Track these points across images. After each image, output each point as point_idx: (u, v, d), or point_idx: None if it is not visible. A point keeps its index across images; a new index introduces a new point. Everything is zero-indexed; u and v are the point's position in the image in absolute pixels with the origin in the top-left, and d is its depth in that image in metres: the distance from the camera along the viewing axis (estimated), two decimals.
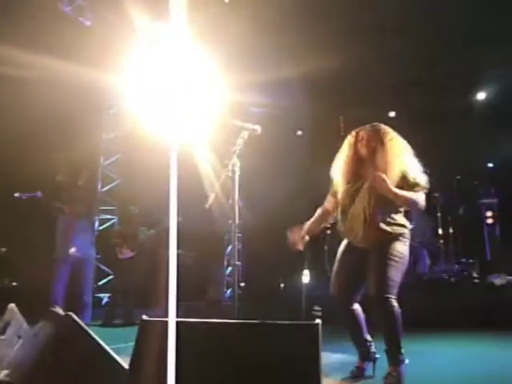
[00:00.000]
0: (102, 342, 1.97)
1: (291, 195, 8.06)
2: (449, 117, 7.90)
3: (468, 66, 7.44)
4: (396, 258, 2.92)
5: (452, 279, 6.50)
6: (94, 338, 1.96)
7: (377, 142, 3.06)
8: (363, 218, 2.98)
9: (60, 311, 2.17)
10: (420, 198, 2.98)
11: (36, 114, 6.57)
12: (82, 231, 5.67)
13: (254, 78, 6.62)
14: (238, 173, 2.66)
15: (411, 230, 3.12)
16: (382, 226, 2.95)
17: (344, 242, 3.20)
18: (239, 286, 7.50)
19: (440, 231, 7.21)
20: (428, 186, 3.02)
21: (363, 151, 3.10)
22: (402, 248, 2.97)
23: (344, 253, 3.16)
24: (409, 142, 3.16)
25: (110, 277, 8.09)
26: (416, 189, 2.97)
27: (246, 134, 2.75)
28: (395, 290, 2.89)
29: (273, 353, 1.83)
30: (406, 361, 2.89)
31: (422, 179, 3.00)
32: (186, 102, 1.69)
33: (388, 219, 2.97)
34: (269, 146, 6.21)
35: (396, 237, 2.97)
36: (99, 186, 8.78)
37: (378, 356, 3.11)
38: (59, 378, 1.87)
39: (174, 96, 1.59)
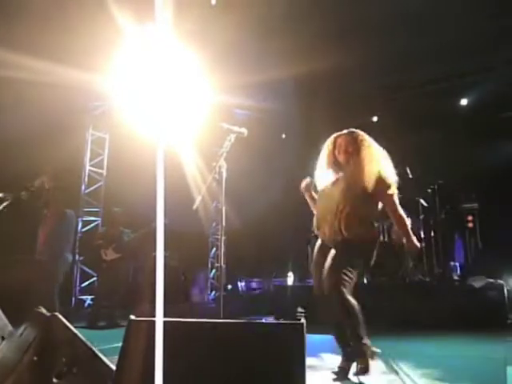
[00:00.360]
0: (88, 343, 1.98)
1: (276, 198, 8.12)
2: (432, 122, 8.04)
3: (451, 71, 7.58)
4: (354, 259, 3.03)
5: (433, 281, 6.61)
6: (80, 338, 1.97)
7: (354, 148, 3.18)
8: (334, 219, 3.09)
9: (45, 312, 2.18)
10: (403, 214, 3.13)
11: (21, 115, 6.52)
12: (58, 232, 5.64)
13: (240, 81, 6.67)
14: (224, 175, 2.69)
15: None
16: (350, 228, 3.04)
17: (318, 242, 3.29)
18: (225, 289, 7.52)
19: (422, 234, 7.32)
20: (397, 190, 3.16)
21: (340, 158, 3.23)
22: (363, 250, 3.07)
23: (318, 252, 3.25)
24: (391, 146, 3.26)
25: (94, 279, 8.03)
26: (389, 191, 3.10)
27: (232, 137, 2.79)
28: (348, 286, 2.98)
29: (258, 352, 1.86)
30: (377, 350, 2.98)
31: (395, 183, 3.15)
32: (172, 103, 1.70)
33: (357, 222, 3.07)
34: (254, 149, 6.25)
35: (361, 240, 3.06)
36: (83, 188, 8.72)
37: None
38: (45, 379, 1.87)
39: (160, 97, 1.60)
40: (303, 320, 1.76)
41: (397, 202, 3.12)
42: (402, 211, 3.11)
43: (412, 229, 3.15)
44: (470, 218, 8.27)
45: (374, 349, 2.97)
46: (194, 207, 2.65)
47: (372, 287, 6.29)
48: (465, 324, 4.98)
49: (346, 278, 2.96)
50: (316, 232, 3.26)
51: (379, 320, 5.25)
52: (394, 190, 3.12)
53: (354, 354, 3.15)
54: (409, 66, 7.39)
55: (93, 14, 5.76)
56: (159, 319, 1.47)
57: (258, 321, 1.91)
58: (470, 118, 8.13)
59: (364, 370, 2.91)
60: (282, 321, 1.90)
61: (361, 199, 3.08)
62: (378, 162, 3.14)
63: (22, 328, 2.26)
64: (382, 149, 3.23)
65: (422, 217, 7.33)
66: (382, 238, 7.28)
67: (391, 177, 3.15)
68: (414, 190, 7.24)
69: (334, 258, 3.03)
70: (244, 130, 2.83)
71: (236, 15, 6.38)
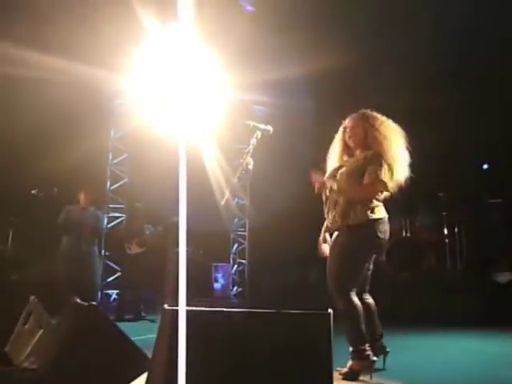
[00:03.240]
0: (125, 332, 2.07)
1: (297, 194, 8.15)
2: (452, 116, 7.95)
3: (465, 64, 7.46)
4: (349, 249, 2.95)
5: (457, 277, 6.59)
6: (117, 327, 2.06)
7: (365, 127, 3.07)
8: (335, 204, 3.04)
9: (83, 302, 2.28)
10: (377, 186, 2.94)
11: (47, 114, 6.70)
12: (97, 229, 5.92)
13: (263, 77, 6.71)
14: (251, 172, 2.74)
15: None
16: (348, 213, 2.97)
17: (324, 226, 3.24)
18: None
19: (445, 230, 7.29)
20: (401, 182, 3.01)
21: (350, 141, 3.14)
22: (355, 241, 2.96)
23: (331, 243, 3.17)
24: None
25: (119, 273, 8.20)
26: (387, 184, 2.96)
27: (259, 134, 2.84)
28: (348, 284, 2.92)
29: (285, 341, 1.91)
30: (373, 358, 2.88)
31: (401, 176, 2.99)
32: (193, 100, 1.73)
33: (355, 207, 2.97)
34: (277, 145, 6.30)
35: (357, 225, 2.95)
36: (108, 185, 8.91)
37: (388, 350, 3.11)
38: (86, 365, 1.97)
39: (182, 95, 1.63)
40: (330, 310, 1.82)
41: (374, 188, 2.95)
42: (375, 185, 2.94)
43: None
44: (494, 213, 8.16)
45: (373, 358, 2.89)
46: (223, 203, 2.71)
47: (394, 282, 6.29)
48: (489, 319, 4.96)
49: (351, 273, 2.92)
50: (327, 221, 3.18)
51: (402, 315, 5.28)
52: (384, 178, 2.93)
53: (380, 350, 3.08)
54: (425, 61, 7.31)
55: (115, 13, 5.87)
56: (182, 308, 1.50)
57: (284, 311, 1.97)
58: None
59: (351, 376, 2.83)
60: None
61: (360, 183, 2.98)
62: (394, 141, 3.01)
63: (60, 317, 2.38)
64: (397, 127, 3.10)
65: (444, 213, 7.30)
66: (403, 233, 7.27)
67: (399, 168, 2.98)
68: (437, 185, 7.21)
69: (332, 253, 3.00)
70: (270, 128, 2.87)
71: (257, 12, 6.43)
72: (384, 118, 3.12)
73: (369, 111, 3.18)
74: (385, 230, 3.00)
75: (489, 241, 8.19)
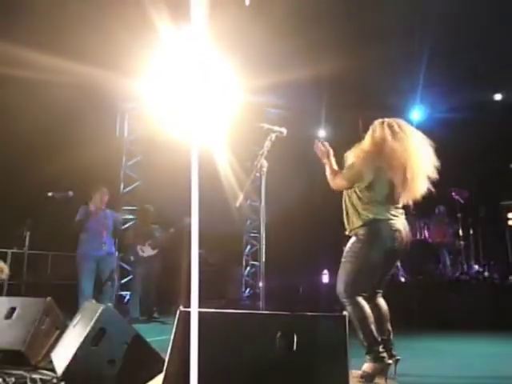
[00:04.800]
0: (140, 333, 2.09)
1: (311, 196, 8.13)
2: (469, 117, 7.88)
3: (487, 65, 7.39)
4: (352, 254, 2.94)
5: (472, 280, 6.50)
6: (132, 328, 2.08)
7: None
8: (347, 211, 3.09)
9: (98, 304, 2.30)
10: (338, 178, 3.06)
11: (62, 117, 6.78)
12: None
13: (277, 80, 6.70)
14: (265, 174, 2.74)
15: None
16: (352, 218, 3.00)
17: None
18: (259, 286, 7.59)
19: (460, 232, 7.20)
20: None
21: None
22: (358, 244, 2.95)
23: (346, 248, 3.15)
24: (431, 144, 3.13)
25: (132, 275, 8.26)
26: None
27: (273, 136, 2.83)
28: (354, 288, 2.90)
29: (300, 343, 1.91)
30: (388, 361, 2.84)
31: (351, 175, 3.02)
32: (205, 103, 1.73)
33: (357, 212, 2.99)
34: (289, 147, 6.31)
35: (358, 230, 2.96)
36: (121, 187, 8.98)
37: (399, 357, 3.01)
38: (102, 366, 1.99)
39: (195, 98, 1.64)
40: (345, 312, 1.81)
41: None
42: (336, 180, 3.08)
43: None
44: (510, 215, 8.05)
45: (388, 361, 2.84)
46: (237, 205, 2.72)
47: (410, 286, 6.24)
48: (505, 323, 4.89)
49: (349, 280, 2.91)
50: None
51: (417, 318, 5.23)
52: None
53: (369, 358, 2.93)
54: (443, 60, 7.25)
55: (129, 16, 5.92)
56: (194, 309, 1.49)
57: (300, 313, 1.97)
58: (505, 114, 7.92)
59: (366, 378, 2.77)
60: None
61: (355, 191, 3.02)
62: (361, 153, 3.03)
63: (76, 318, 2.40)
64: (390, 134, 3.01)
65: (460, 215, 7.21)
66: (418, 235, 7.21)
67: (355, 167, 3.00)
68: (452, 187, 7.14)
69: (348, 253, 2.99)
70: (284, 130, 2.86)
71: (269, 15, 6.43)
72: (377, 127, 3.09)
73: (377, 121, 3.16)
74: (390, 235, 2.94)
75: (505, 243, 8.08)
